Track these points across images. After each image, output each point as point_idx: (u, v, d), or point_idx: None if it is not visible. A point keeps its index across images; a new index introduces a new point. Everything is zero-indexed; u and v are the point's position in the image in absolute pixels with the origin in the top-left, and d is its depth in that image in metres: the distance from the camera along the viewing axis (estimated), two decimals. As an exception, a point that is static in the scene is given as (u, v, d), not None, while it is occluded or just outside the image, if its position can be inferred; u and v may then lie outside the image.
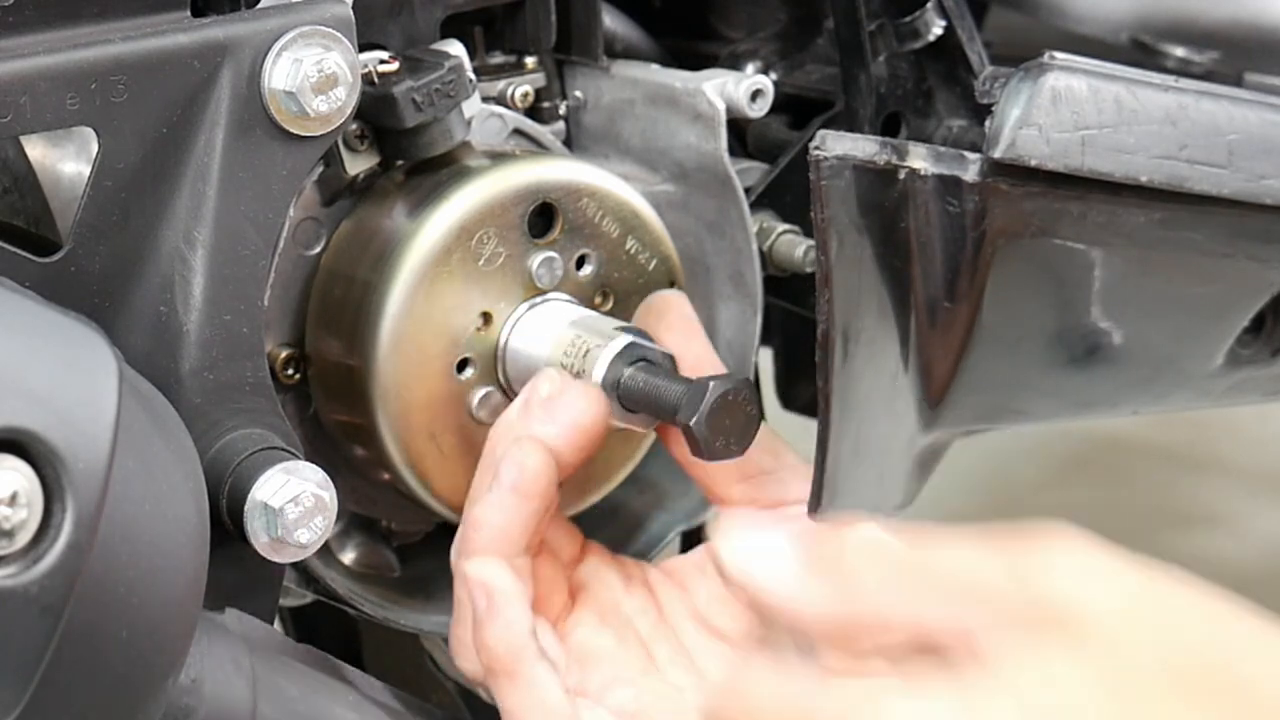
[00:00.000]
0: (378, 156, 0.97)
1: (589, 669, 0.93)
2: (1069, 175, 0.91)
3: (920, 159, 0.88)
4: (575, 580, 0.98)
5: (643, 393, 0.93)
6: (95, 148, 0.84)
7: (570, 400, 0.92)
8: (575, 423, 0.92)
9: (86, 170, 0.86)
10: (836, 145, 0.87)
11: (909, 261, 0.89)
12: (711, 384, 0.91)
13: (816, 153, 0.86)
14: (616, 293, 1.01)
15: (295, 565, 0.97)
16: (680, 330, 0.98)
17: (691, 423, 0.91)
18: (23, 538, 0.67)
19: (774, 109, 1.05)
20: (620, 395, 0.94)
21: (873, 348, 0.90)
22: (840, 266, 0.88)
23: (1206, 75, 1.19)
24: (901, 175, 0.88)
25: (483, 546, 0.91)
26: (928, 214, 0.89)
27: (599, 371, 0.94)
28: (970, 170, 0.89)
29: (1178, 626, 0.72)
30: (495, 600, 0.88)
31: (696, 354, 0.97)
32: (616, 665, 0.94)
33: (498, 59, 1.06)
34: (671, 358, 0.96)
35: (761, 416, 0.93)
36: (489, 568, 0.89)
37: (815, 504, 0.92)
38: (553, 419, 0.92)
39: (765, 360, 1.25)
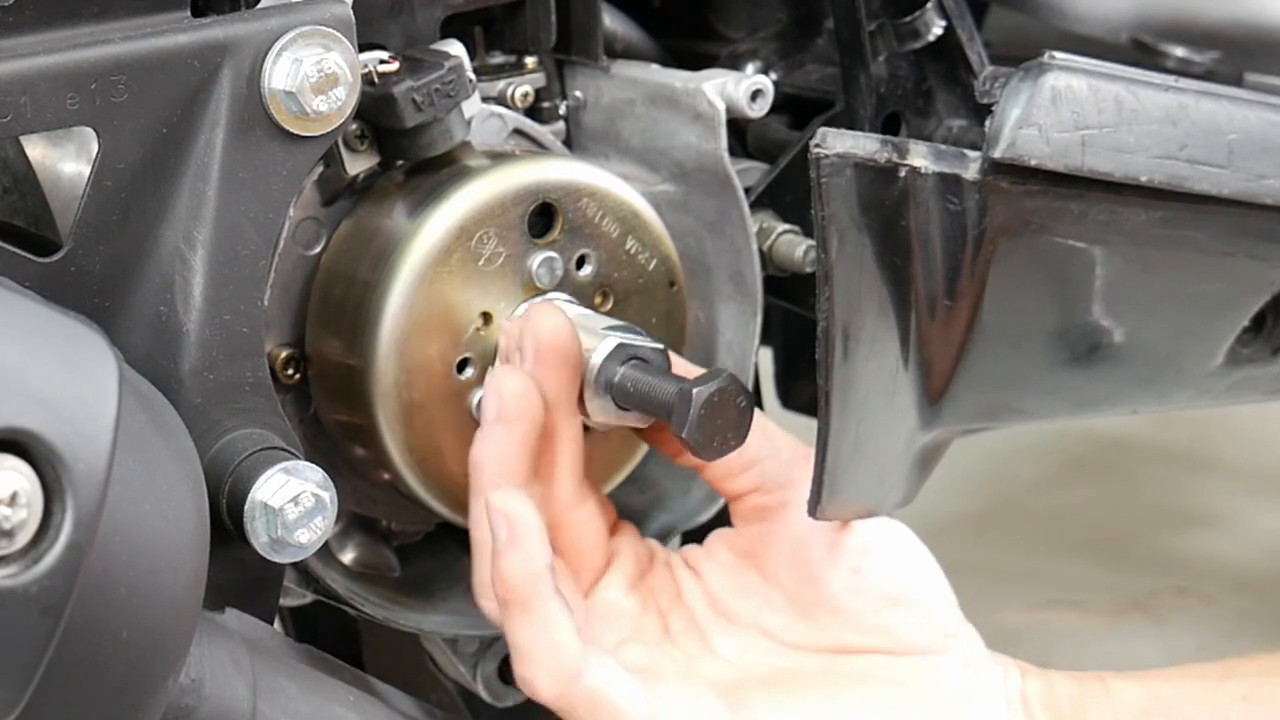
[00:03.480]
0: (378, 156, 0.97)
1: (608, 625, 0.95)
2: (1069, 174, 0.91)
3: (921, 157, 0.88)
4: (609, 549, 0.99)
5: (635, 391, 0.93)
6: (95, 148, 0.84)
7: (530, 323, 0.94)
8: (540, 341, 0.93)
9: (86, 170, 0.86)
10: (837, 143, 0.87)
11: (909, 259, 0.89)
12: (696, 389, 0.91)
13: (817, 150, 0.86)
14: (616, 293, 1.01)
15: (295, 565, 0.97)
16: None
17: (684, 432, 0.91)
18: (23, 538, 0.67)
19: (774, 109, 1.05)
20: (614, 394, 0.94)
21: (873, 345, 0.90)
22: (841, 264, 0.87)
23: (1206, 75, 1.19)
24: (902, 173, 0.88)
25: (488, 484, 0.92)
26: (928, 212, 0.89)
27: (591, 371, 0.94)
28: (971, 168, 0.89)
29: None
30: (516, 530, 0.89)
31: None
32: (634, 627, 0.96)
33: (498, 59, 1.06)
34: (665, 354, 0.96)
35: (753, 408, 0.93)
36: (512, 499, 0.90)
37: (815, 501, 0.92)
38: (522, 350, 0.94)
39: (765, 360, 1.25)
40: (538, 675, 0.89)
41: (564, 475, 0.96)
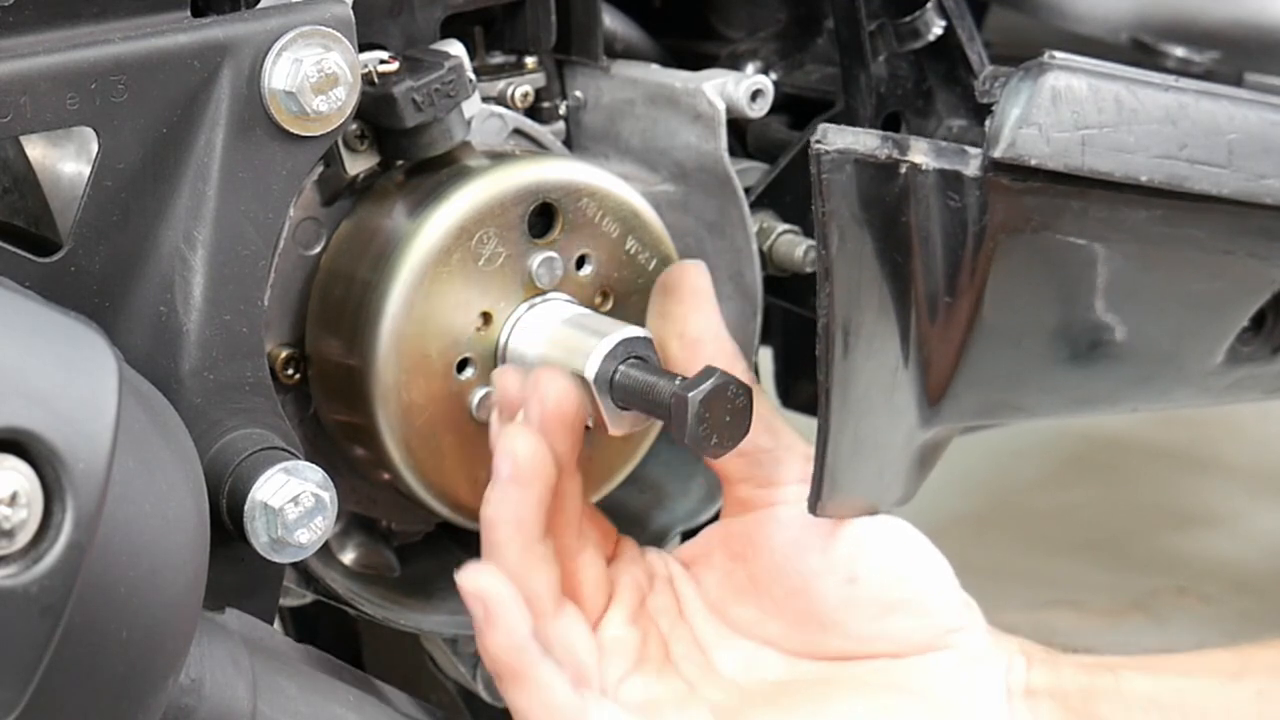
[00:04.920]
0: (378, 156, 0.97)
1: (611, 661, 0.95)
2: (1069, 174, 0.91)
3: (921, 153, 0.88)
4: (609, 584, 0.99)
5: (635, 390, 0.93)
6: (95, 148, 0.84)
7: (536, 389, 0.93)
8: (546, 408, 0.93)
9: (86, 170, 0.86)
10: (837, 138, 0.87)
11: (910, 256, 0.89)
12: (691, 393, 0.91)
13: (817, 146, 0.86)
14: (616, 293, 1.01)
15: (295, 565, 0.97)
16: (689, 303, 0.98)
17: (684, 438, 0.91)
18: (23, 538, 0.67)
19: (774, 109, 1.05)
20: (613, 393, 0.94)
21: (873, 342, 0.90)
22: (841, 260, 0.88)
23: (1206, 75, 1.19)
24: (903, 170, 0.88)
25: (504, 541, 0.92)
26: (929, 208, 0.89)
27: (591, 369, 0.94)
28: (971, 165, 0.89)
29: None
30: (491, 608, 0.89)
31: (700, 328, 0.97)
32: (636, 659, 0.96)
33: (498, 59, 1.06)
34: (651, 343, 0.96)
35: (751, 403, 0.93)
36: (481, 577, 0.90)
37: (815, 498, 0.92)
38: (527, 414, 0.93)
39: (765, 360, 1.25)
40: None
41: (566, 529, 0.96)
